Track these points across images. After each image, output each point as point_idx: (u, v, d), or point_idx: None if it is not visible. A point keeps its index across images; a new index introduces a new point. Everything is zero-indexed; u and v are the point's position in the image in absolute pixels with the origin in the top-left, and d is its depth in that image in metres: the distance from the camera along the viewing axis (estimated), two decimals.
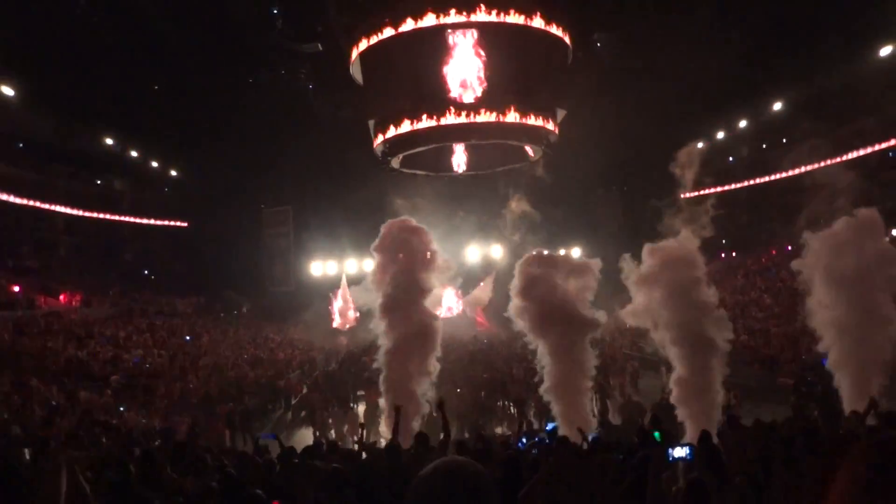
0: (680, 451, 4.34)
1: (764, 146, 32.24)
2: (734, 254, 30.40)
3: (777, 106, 29.87)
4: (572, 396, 9.88)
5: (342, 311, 27.62)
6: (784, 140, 30.78)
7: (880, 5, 21.16)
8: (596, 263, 10.86)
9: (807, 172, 26.95)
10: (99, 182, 32.68)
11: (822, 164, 25.95)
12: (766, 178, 30.46)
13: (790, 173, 28.63)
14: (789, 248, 25.83)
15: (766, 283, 22.29)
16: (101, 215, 31.19)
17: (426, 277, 10.69)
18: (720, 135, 33.03)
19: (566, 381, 9.84)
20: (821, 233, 9.66)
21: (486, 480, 1.24)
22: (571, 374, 9.85)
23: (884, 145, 25.24)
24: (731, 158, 34.14)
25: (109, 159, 31.37)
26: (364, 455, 6.94)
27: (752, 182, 31.51)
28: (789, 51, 26.00)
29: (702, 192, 34.48)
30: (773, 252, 26.82)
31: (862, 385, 8.55)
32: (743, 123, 31.87)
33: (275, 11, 26.08)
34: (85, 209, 30.41)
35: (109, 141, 29.93)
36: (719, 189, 33.20)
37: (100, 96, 26.63)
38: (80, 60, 25.22)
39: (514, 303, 10.27)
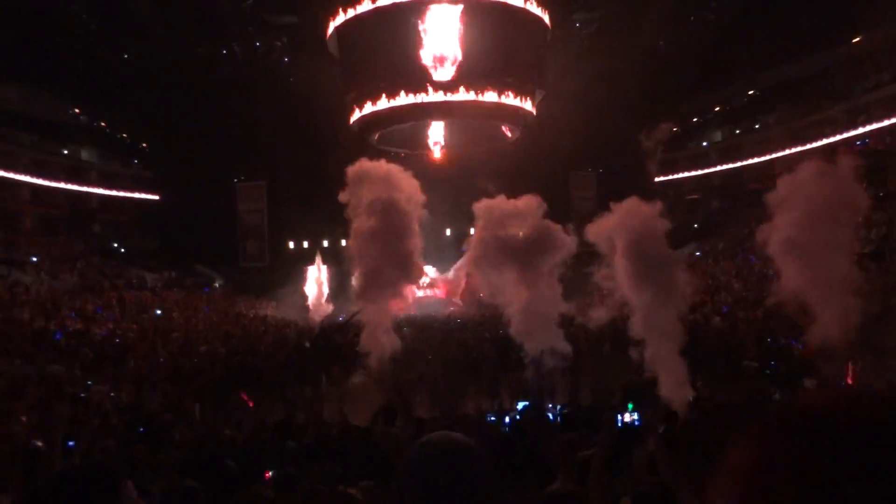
0: (629, 417, 4.42)
1: (738, 131, 32.69)
2: (705, 237, 30.93)
3: (751, 91, 30.30)
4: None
5: (316, 297, 27.47)
6: (756, 126, 31.23)
7: None
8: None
9: (777, 158, 27.46)
10: (66, 152, 31.83)
11: (792, 150, 26.42)
12: (739, 164, 30.91)
13: (761, 159, 29.11)
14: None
15: (735, 268, 22.74)
16: (69, 186, 30.44)
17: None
18: (694, 119, 33.45)
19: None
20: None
21: (478, 454, 1.26)
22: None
23: (850, 133, 25.77)
24: (704, 143, 34.58)
25: (77, 128, 30.57)
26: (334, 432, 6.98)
27: (724, 167, 31.96)
28: (762, 36, 26.30)
29: (675, 176, 35.20)
30: (744, 237, 27.35)
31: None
32: (717, 108, 32.28)
33: None
34: (51, 179, 29.64)
35: (76, 110, 29.15)
36: (692, 173, 33.70)
37: (67, 64, 25.87)
38: (47, 25, 24.43)
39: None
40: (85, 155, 32.62)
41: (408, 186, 11.11)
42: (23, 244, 26.55)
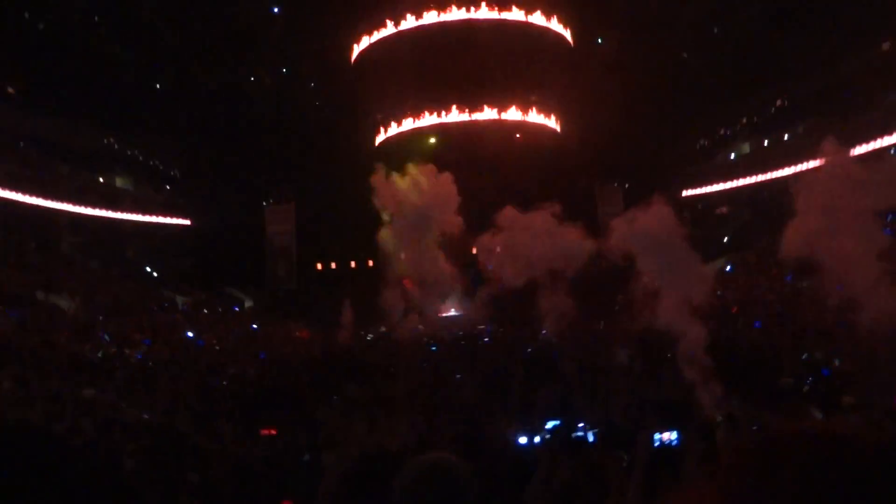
0: (667, 436, 4.26)
1: (766, 142, 32.20)
2: (736, 251, 30.38)
3: (779, 102, 29.88)
4: None
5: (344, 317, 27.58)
6: (786, 136, 30.73)
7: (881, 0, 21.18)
8: None
9: (808, 169, 26.91)
10: (101, 179, 32.72)
11: (821, 161, 25.86)
12: (768, 176, 30.36)
13: (791, 170, 28.55)
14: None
15: (768, 282, 22.26)
16: (103, 212, 31.24)
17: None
18: (722, 131, 33.06)
19: None
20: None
21: (465, 474, 1.29)
22: None
23: (883, 142, 25.19)
24: (732, 155, 34.11)
25: (111, 157, 31.42)
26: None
27: (753, 179, 31.44)
28: (790, 46, 26.02)
29: (703, 190, 34.74)
30: (776, 250, 26.79)
31: None
32: (745, 119, 31.88)
33: (275, 10, 26.12)
34: (87, 206, 30.46)
35: (111, 139, 30.02)
36: (721, 186, 33.21)
37: (102, 94, 26.71)
38: (82, 58, 25.30)
39: None
40: (119, 182, 33.48)
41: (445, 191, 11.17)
42: (59, 269, 27.26)
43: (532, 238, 10.00)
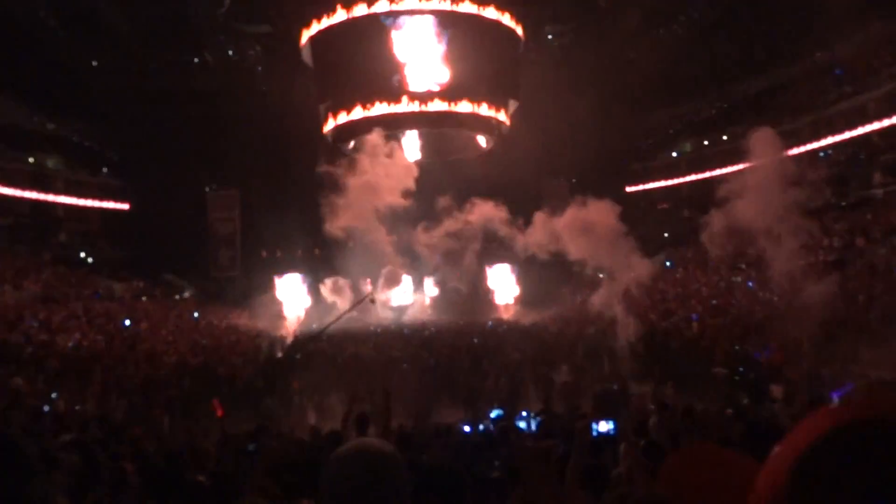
0: (604, 426, 4.42)
1: (706, 143, 33.36)
2: (675, 248, 31.41)
3: (719, 103, 31.00)
4: None
5: (290, 307, 27.35)
6: (724, 137, 31.92)
7: (816, 9, 22.20)
8: None
9: (744, 169, 28.02)
10: (32, 160, 31.11)
11: (758, 162, 26.97)
12: (707, 174, 31.49)
13: (729, 169, 29.67)
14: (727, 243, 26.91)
15: (705, 277, 23.13)
16: (34, 194, 29.71)
17: None
18: (666, 130, 34.06)
19: None
20: None
21: (393, 460, 1.30)
22: None
23: (814, 145, 26.46)
24: (675, 153, 35.20)
25: (43, 136, 29.92)
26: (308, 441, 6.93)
27: (693, 177, 32.54)
28: (731, 48, 27.02)
29: (646, 186, 35.75)
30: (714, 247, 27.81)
31: None
32: (687, 119, 32.93)
33: None
34: (15, 187, 28.91)
35: (43, 118, 28.57)
36: (663, 183, 34.25)
37: (34, 71, 25.37)
38: (12, 30, 23.95)
39: None
40: (51, 163, 31.91)
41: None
42: None
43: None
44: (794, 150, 26.69)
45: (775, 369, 11.47)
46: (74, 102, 27.41)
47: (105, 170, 33.24)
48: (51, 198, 30.70)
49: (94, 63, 28.13)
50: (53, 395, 11.12)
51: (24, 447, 0.66)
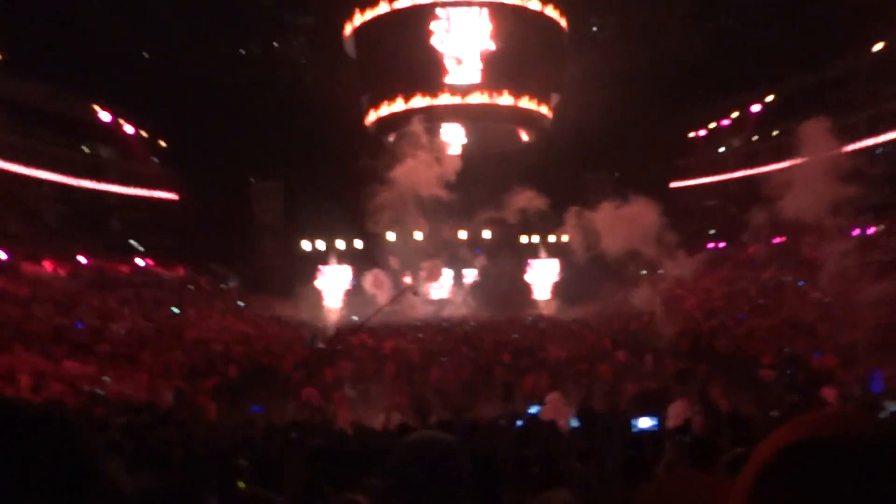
0: (646, 422, 4.37)
1: (755, 137, 32.39)
2: (722, 245, 30.63)
3: (770, 97, 30.00)
4: None
5: (331, 298, 27.72)
6: (775, 132, 30.93)
7: (873, 1, 21.27)
8: None
9: (795, 165, 27.11)
10: (87, 150, 32.20)
11: (809, 157, 26.07)
12: (756, 170, 30.60)
13: (778, 166, 28.77)
14: (776, 240, 26.10)
15: (752, 275, 22.52)
16: (89, 183, 30.79)
17: None
18: (712, 125, 33.16)
19: None
20: None
21: (457, 450, 1.33)
22: None
23: (871, 141, 25.43)
24: (721, 149, 34.29)
25: (97, 127, 30.91)
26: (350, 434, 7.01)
27: (741, 173, 31.65)
28: (782, 41, 26.09)
29: (692, 182, 34.91)
30: (760, 245, 27.04)
31: None
32: (735, 114, 31.97)
33: None
34: (71, 176, 30.00)
35: (97, 108, 29.52)
36: (709, 179, 33.41)
37: (89, 62, 26.19)
38: (69, 24, 24.78)
39: None
40: (105, 153, 32.97)
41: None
42: (44, 240, 26.90)
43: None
44: (850, 147, 25.74)
45: (827, 372, 11.10)
46: (127, 93, 28.22)
47: (155, 160, 34.19)
48: (104, 187, 31.77)
49: (146, 55, 28.89)
50: (106, 379, 11.53)
51: (84, 431, 0.67)
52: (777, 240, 26.06)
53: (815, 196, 12.21)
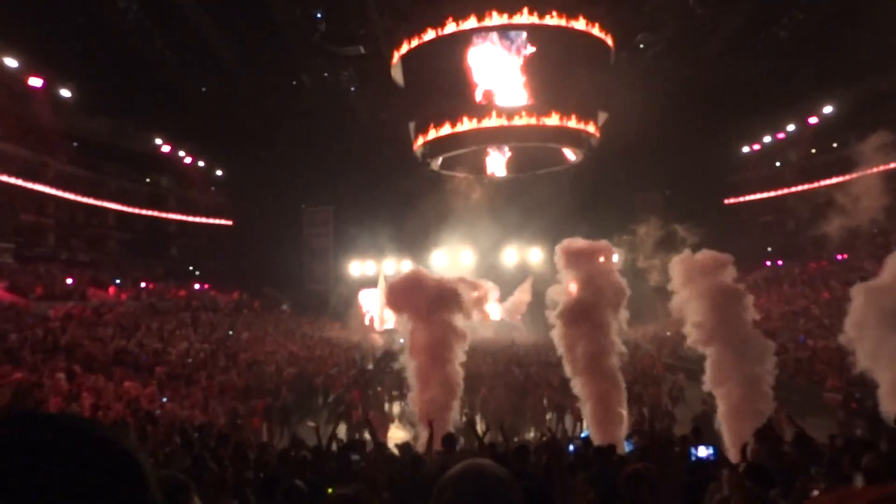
0: (703, 451, 4.23)
1: (813, 150, 31.30)
2: (780, 262, 29.57)
3: (827, 109, 28.98)
4: None
5: (378, 319, 27.96)
6: (834, 145, 29.83)
7: None
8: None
9: (857, 178, 26.02)
10: (148, 180, 33.76)
11: (872, 170, 24.99)
12: (815, 184, 29.52)
13: (839, 179, 27.68)
14: (839, 256, 25.00)
15: (813, 294, 21.62)
16: (150, 212, 32.27)
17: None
18: (767, 139, 32.22)
19: None
20: None
21: (509, 482, 1.27)
22: None
23: None
24: (778, 163, 33.27)
25: (158, 158, 32.39)
26: (398, 455, 7.00)
27: (800, 188, 30.59)
28: (838, 52, 25.23)
29: (748, 198, 33.90)
30: (823, 262, 25.98)
31: None
32: (791, 127, 31.00)
33: (318, 15, 26.49)
34: (134, 206, 31.51)
35: (158, 141, 30.98)
36: (766, 195, 32.41)
37: (151, 99, 27.57)
38: (132, 65, 26.16)
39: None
40: (165, 182, 34.46)
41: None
42: (107, 266, 28.19)
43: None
44: None
45: None
46: (186, 126, 29.51)
47: (212, 188, 35.50)
48: (164, 215, 33.19)
49: (203, 89, 30.17)
50: (164, 400, 11.88)
51: (141, 462, 0.68)
52: (840, 256, 24.99)
53: (876, 210, 11.69)
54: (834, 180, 28.45)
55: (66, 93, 25.06)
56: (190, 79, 29.00)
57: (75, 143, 29.15)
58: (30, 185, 25.48)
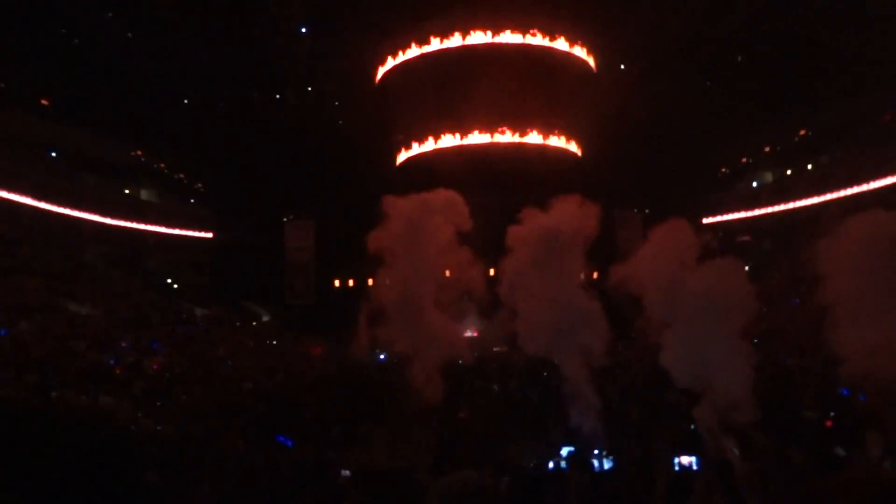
0: (686, 459, 4.27)
1: (789, 172, 31.96)
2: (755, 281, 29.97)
3: (802, 131, 29.69)
4: None
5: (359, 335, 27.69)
6: (809, 166, 30.49)
7: None
8: None
9: (832, 200, 26.63)
10: (127, 191, 33.35)
11: (847, 191, 25.60)
12: (791, 205, 30.11)
13: (814, 200, 28.29)
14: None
15: (789, 312, 21.93)
16: (127, 223, 31.80)
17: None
18: (744, 160, 32.87)
19: None
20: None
21: (496, 494, 1.29)
22: None
23: None
24: (754, 183, 33.89)
25: (138, 169, 32.07)
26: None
27: (776, 208, 31.16)
28: (814, 76, 25.91)
29: (724, 217, 34.45)
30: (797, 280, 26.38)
31: None
32: (767, 148, 31.68)
33: (303, 30, 26.60)
34: (112, 217, 31.04)
35: (139, 152, 30.69)
36: (743, 214, 32.95)
37: (130, 108, 27.34)
38: (111, 74, 25.97)
39: None
40: (144, 195, 34.07)
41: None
42: (83, 278, 27.67)
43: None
44: (886, 181, 25.20)
45: (874, 414, 10.62)
46: (166, 138, 29.29)
47: (192, 200, 35.18)
48: (142, 226, 32.75)
49: (185, 101, 30.03)
50: (139, 416, 11.66)
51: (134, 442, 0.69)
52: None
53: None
54: (809, 201, 29.10)
55: (43, 101, 24.80)
56: (172, 90, 28.85)
57: (52, 153, 28.78)
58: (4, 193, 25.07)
